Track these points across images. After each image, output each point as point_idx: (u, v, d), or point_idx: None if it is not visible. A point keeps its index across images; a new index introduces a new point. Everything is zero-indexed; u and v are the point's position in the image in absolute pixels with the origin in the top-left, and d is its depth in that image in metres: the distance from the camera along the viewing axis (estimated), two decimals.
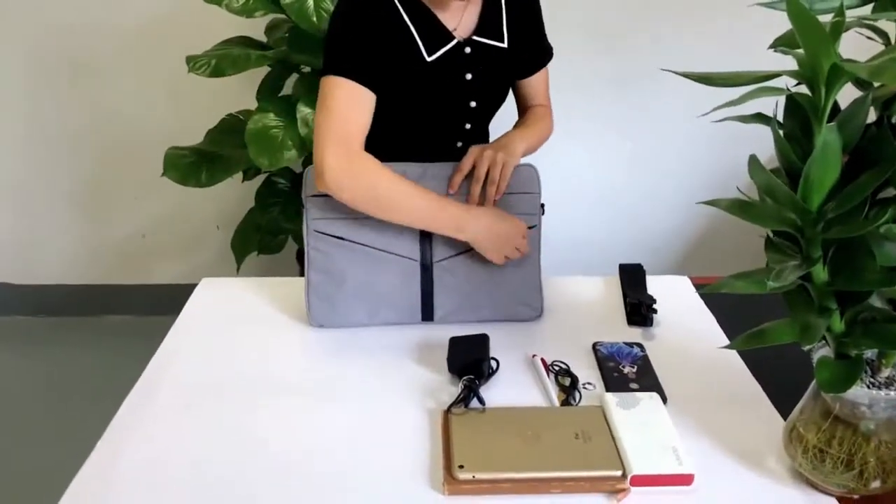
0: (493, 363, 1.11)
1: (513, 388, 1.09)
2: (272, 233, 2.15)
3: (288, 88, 2.06)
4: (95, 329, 2.64)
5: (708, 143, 2.42)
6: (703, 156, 2.46)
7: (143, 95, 2.41)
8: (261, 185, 2.11)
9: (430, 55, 1.26)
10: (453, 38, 1.27)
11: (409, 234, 1.20)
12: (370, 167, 1.16)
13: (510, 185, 1.21)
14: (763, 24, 0.77)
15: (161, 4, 2.29)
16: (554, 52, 1.44)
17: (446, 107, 1.33)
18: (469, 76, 1.30)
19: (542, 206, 1.26)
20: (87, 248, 2.66)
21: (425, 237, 1.20)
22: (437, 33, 1.26)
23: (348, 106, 1.17)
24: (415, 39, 1.24)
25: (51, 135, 2.48)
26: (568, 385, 1.09)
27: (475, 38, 1.29)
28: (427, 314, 1.23)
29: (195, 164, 1.96)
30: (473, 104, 1.34)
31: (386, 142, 1.25)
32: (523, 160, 1.26)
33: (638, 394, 1.03)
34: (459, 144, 1.38)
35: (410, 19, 1.24)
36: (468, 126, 1.36)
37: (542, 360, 1.13)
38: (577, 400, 1.06)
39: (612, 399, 1.01)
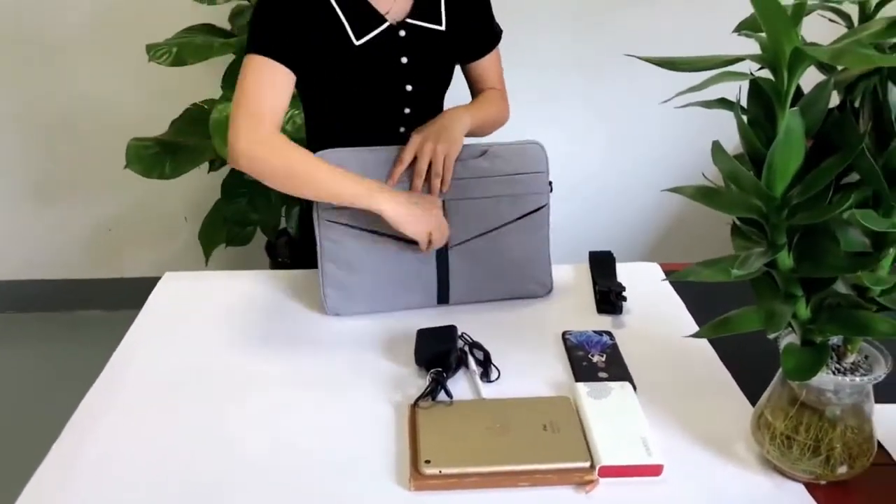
0: (468, 353, 1.10)
1: (477, 379, 1.07)
2: (240, 224, 2.12)
3: None
4: (64, 325, 2.59)
5: (681, 129, 2.41)
6: (676, 142, 2.46)
7: (107, 85, 2.36)
8: (227, 176, 2.07)
9: (358, 39, 1.23)
10: (384, 21, 1.25)
11: None
12: (282, 142, 1.15)
13: (518, 166, 1.21)
14: (739, 7, 0.75)
15: None
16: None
17: (381, 91, 1.30)
18: (405, 60, 1.28)
19: (550, 183, 1.24)
20: (53, 243, 2.61)
21: None
22: (366, 16, 1.24)
23: (264, 84, 1.17)
24: (342, 23, 1.22)
25: (11, 126, 2.42)
26: (482, 359, 1.09)
27: (409, 20, 1.27)
28: (443, 297, 1.24)
29: (159, 156, 1.92)
30: (409, 88, 1.31)
31: (327, 129, 1.23)
32: (511, 139, 1.24)
33: (609, 383, 1.02)
34: (402, 130, 1.35)
35: (337, 2, 1.22)
36: (407, 111, 1.34)
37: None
38: (497, 376, 1.07)
39: (582, 389, 1.00)
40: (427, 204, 1.17)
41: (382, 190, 1.14)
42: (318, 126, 1.38)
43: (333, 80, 1.27)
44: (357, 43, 1.23)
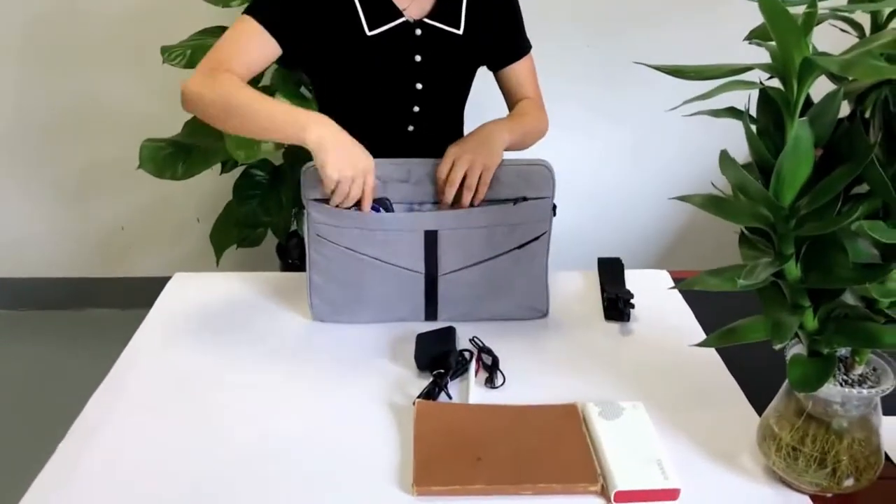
0: (468, 355, 1.10)
1: (481, 384, 1.07)
2: (251, 226, 2.13)
3: (266, 79, 2.03)
4: (76, 322, 2.61)
5: (690, 137, 2.40)
6: (685, 150, 2.45)
7: (122, 86, 2.38)
8: (238, 178, 2.08)
9: (371, 29, 1.23)
10: (401, 16, 1.25)
11: (413, 247, 1.14)
12: (227, 79, 1.13)
13: (520, 191, 1.14)
14: (746, 14, 0.75)
15: None
16: (537, 44, 1.42)
17: (391, 86, 1.30)
18: (418, 58, 1.28)
19: (554, 206, 1.17)
20: (67, 242, 2.63)
21: (431, 251, 1.15)
22: (383, 9, 1.24)
23: (241, 43, 1.18)
24: (357, 11, 1.23)
25: (26, 126, 2.44)
26: (490, 364, 1.09)
27: (427, 20, 1.27)
28: (430, 316, 1.21)
29: (172, 157, 1.93)
30: (420, 86, 1.31)
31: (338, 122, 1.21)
32: (533, 155, 1.19)
33: (621, 403, 0.99)
34: (411, 128, 1.35)
35: None
36: (416, 109, 1.33)
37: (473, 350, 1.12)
38: (502, 382, 1.06)
39: (593, 409, 0.98)
40: (362, 155, 1.08)
41: (321, 122, 1.06)
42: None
43: (343, 70, 1.27)
44: (369, 33, 1.23)
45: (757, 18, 0.72)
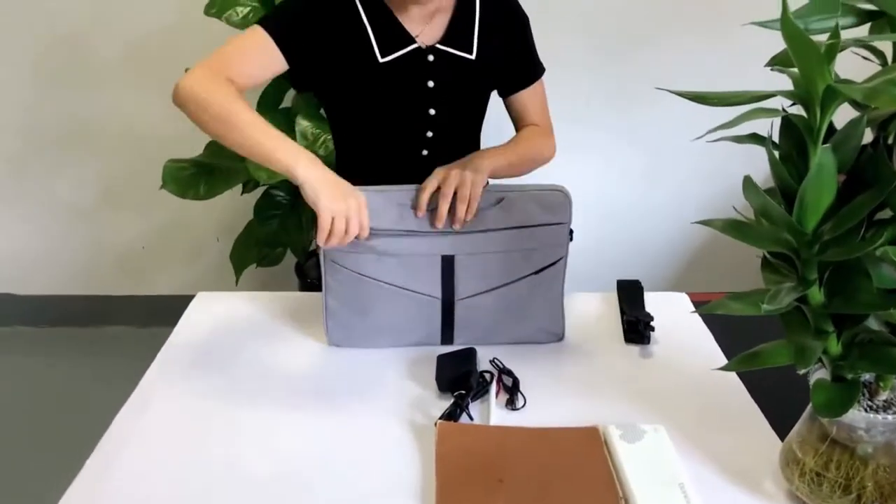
0: (488, 376, 1.11)
1: (502, 406, 1.08)
2: (271, 245, 2.15)
3: (287, 101, 2.06)
4: (96, 339, 2.63)
5: (708, 158, 2.41)
6: (703, 171, 2.45)
7: (145, 106, 2.41)
8: (259, 198, 2.10)
9: (383, 56, 1.24)
10: (413, 42, 1.26)
11: (430, 273, 1.15)
12: (225, 87, 1.10)
13: (536, 217, 1.13)
14: (766, 40, 0.76)
15: (163, 16, 2.29)
16: (547, 69, 1.43)
17: (404, 112, 1.31)
18: (431, 84, 1.29)
19: (571, 231, 1.17)
20: (88, 259, 2.66)
21: (448, 276, 1.15)
22: (395, 36, 1.25)
23: (248, 49, 1.17)
24: (369, 38, 1.23)
25: (52, 145, 2.48)
26: (510, 385, 1.09)
27: (440, 46, 1.28)
28: (447, 341, 1.21)
29: (194, 177, 1.96)
30: (433, 112, 1.31)
31: (353, 151, 1.22)
32: (548, 177, 1.20)
33: (643, 426, 0.99)
34: (425, 153, 1.35)
35: (368, 18, 1.23)
36: (430, 134, 1.33)
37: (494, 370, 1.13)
38: (523, 403, 1.07)
39: (615, 432, 0.98)
40: (351, 192, 1.06)
41: (312, 161, 1.05)
42: (344, 148, 1.39)
43: (356, 95, 1.28)
44: (381, 60, 1.24)
45: (771, 42, 0.73)
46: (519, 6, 1.38)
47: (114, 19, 2.30)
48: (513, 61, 1.38)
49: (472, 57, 1.30)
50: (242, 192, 2.14)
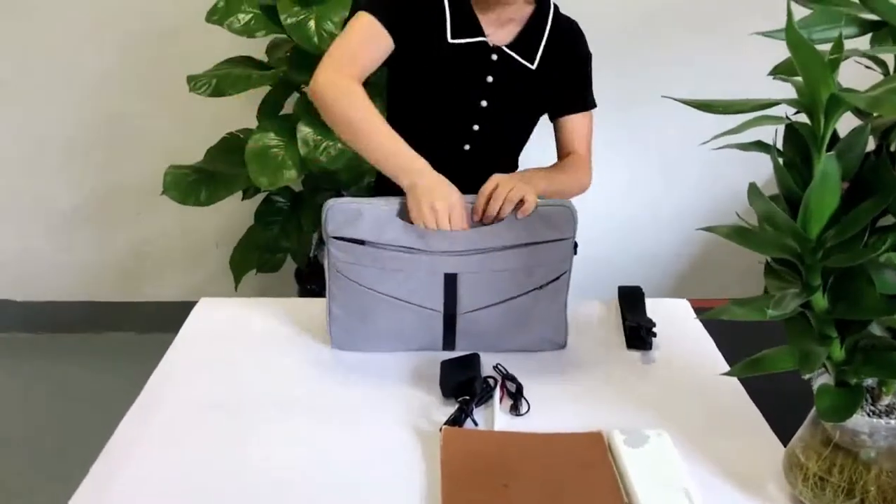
0: (492, 382, 1.11)
1: (506, 411, 1.08)
2: (271, 251, 2.15)
3: (288, 108, 2.07)
4: (95, 346, 2.63)
5: (709, 165, 2.42)
6: (704, 178, 2.47)
7: (145, 113, 2.42)
8: (260, 204, 2.11)
9: (453, 38, 1.31)
10: (483, 36, 1.33)
11: (433, 288, 1.15)
12: (356, 92, 1.22)
13: (541, 234, 1.14)
14: (768, 48, 0.77)
15: (164, 23, 2.30)
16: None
17: (458, 96, 1.37)
18: (490, 79, 1.35)
19: (576, 245, 1.18)
20: (88, 265, 2.66)
21: (450, 291, 1.15)
22: (469, 24, 1.32)
23: (363, 39, 1.27)
24: (445, 19, 1.31)
25: (52, 152, 2.48)
26: (514, 391, 1.10)
27: (505, 49, 1.34)
28: (448, 348, 1.21)
29: (195, 183, 1.96)
30: (484, 104, 1.37)
31: (400, 131, 1.23)
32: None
33: (646, 431, 1.00)
34: (467, 147, 1.41)
35: (450, 3, 1.32)
36: (476, 128, 1.39)
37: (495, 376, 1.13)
38: (527, 409, 1.07)
39: (619, 437, 0.98)
40: (450, 191, 1.13)
41: (422, 172, 1.15)
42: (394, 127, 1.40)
43: (420, 70, 1.35)
44: (451, 40, 1.31)
45: (774, 50, 0.74)
46: (586, 42, 1.45)
47: (115, 24, 2.31)
48: (568, 85, 1.43)
49: (533, 67, 1.37)
50: (243, 199, 2.15)
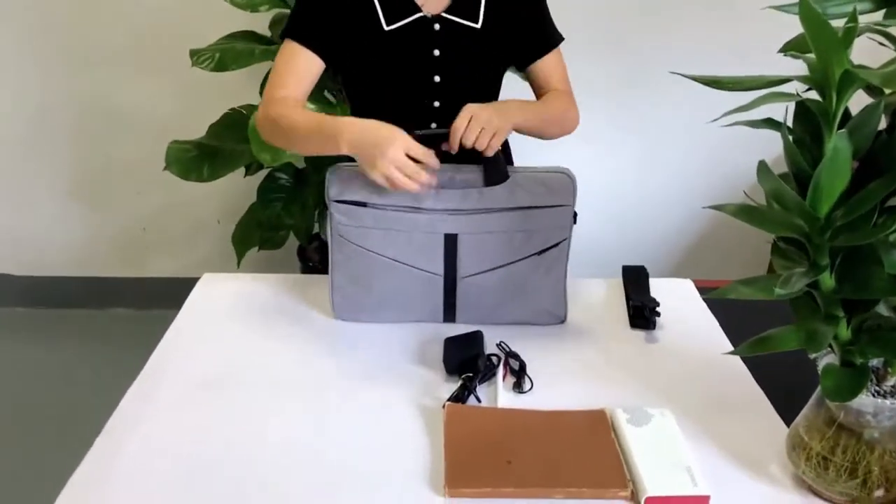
0: (495, 359, 1.11)
1: (509, 389, 1.08)
2: (273, 228, 2.14)
3: None
4: (95, 321, 2.63)
5: (713, 144, 2.40)
6: (708, 157, 2.45)
7: (147, 88, 2.40)
8: (263, 181, 2.10)
9: (388, 24, 1.27)
10: (418, 11, 1.27)
11: (433, 250, 1.17)
12: (277, 111, 1.23)
13: (540, 199, 1.15)
14: (777, 25, 0.76)
15: None
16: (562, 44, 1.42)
17: (410, 80, 1.32)
18: (437, 52, 1.30)
19: (575, 214, 1.18)
20: (88, 241, 2.65)
21: (450, 253, 1.17)
22: (400, 4, 1.27)
23: (286, 69, 1.28)
24: (375, 8, 1.27)
25: (52, 126, 2.47)
26: (517, 369, 1.10)
27: (445, 15, 1.29)
28: (449, 318, 1.23)
29: (197, 159, 1.95)
30: (438, 79, 1.32)
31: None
32: (553, 163, 1.19)
33: (649, 410, 1.00)
34: (434, 126, 1.35)
35: None
36: (437, 104, 1.34)
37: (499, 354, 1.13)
38: (530, 387, 1.07)
39: (622, 415, 0.99)
40: (389, 143, 1.08)
41: (345, 126, 1.12)
42: (355, 112, 1.39)
43: (363, 64, 1.32)
44: (387, 28, 1.27)
45: (774, 25, 0.73)
46: None
47: (116, 2, 2.28)
48: (525, 31, 1.37)
49: (478, 26, 1.31)
50: (246, 175, 2.14)
